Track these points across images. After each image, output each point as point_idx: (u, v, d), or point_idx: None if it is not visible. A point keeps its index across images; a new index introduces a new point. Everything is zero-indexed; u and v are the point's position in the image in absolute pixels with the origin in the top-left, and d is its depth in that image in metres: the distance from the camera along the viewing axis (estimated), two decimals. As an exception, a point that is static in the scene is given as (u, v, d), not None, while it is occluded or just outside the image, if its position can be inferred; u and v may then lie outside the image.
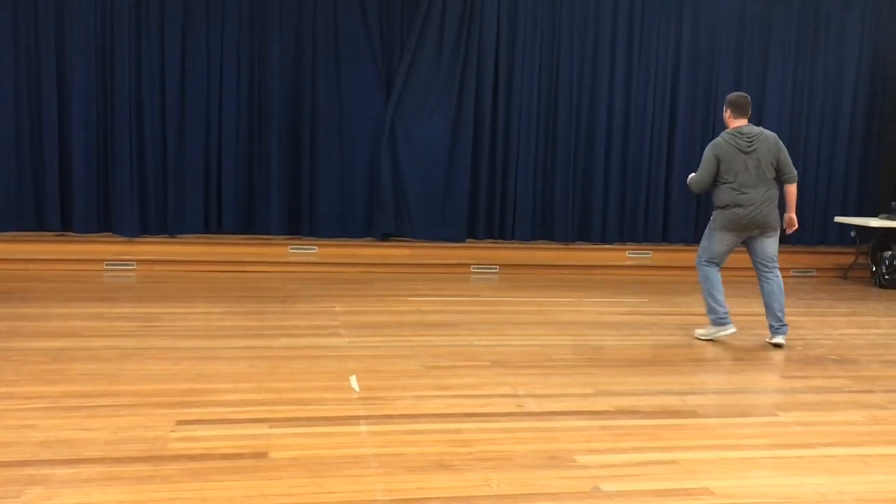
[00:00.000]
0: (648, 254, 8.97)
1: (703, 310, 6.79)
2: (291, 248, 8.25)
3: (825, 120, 9.46)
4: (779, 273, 5.63)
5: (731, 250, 5.68)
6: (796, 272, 9.06)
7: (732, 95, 5.58)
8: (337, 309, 6.28)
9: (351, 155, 8.52)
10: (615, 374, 4.71)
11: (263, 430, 3.57)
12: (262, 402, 3.94)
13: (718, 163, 5.47)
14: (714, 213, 5.62)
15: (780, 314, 5.54)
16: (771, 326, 5.58)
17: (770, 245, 5.60)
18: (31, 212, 7.96)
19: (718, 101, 9.17)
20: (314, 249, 8.29)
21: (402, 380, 4.42)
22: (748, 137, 5.42)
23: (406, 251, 8.41)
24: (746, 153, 5.40)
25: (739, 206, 5.44)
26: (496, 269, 8.43)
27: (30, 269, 7.46)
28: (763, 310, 5.69)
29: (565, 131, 8.87)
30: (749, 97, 5.60)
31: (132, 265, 7.72)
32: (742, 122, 5.49)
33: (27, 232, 7.92)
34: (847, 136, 9.49)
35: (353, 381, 4.33)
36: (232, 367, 4.53)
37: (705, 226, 9.17)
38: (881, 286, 8.45)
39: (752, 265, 5.70)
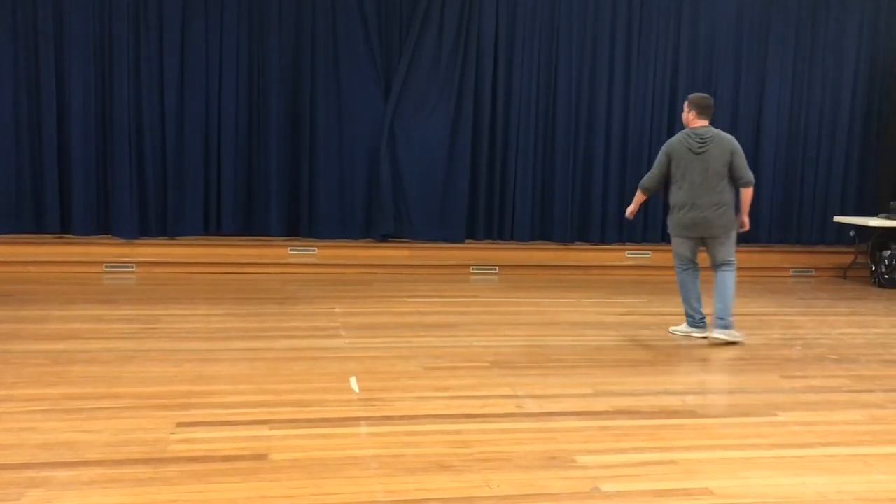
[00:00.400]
0: (648, 254, 8.97)
1: (703, 309, 6.81)
2: (291, 250, 8.25)
3: (824, 119, 9.46)
4: (733, 271, 5.59)
5: (694, 250, 5.61)
6: (795, 272, 9.06)
7: (696, 96, 5.52)
8: (337, 310, 6.29)
9: (350, 156, 8.52)
10: (615, 374, 4.71)
11: (264, 431, 3.57)
12: (263, 403, 3.94)
13: (669, 162, 5.45)
14: (670, 213, 5.63)
15: (720, 309, 5.49)
16: (714, 322, 5.54)
17: (720, 249, 5.54)
18: (30, 214, 7.96)
19: (719, 101, 9.17)
20: (314, 251, 8.29)
21: (402, 381, 4.42)
22: (701, 139, 5.38)
23: (405, 252, 8.42)
24: (696, 154, 5.37)
25: (686, 207, 5.43)
26: (496, 269, 8.43)
27: (29, 272, 7.47)
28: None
29: (564, 131, 8.87)
30: (712, 99, 5.58)
31: (132, 267, 7.72)
32: (703, 124, 5.46)
33: (27, 234, 7.92)
34: (846, 136, 9.50)
35: (353, 383, 4.34)
36: (232, 368, 4.53)
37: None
38: (880, 286, 8.45)
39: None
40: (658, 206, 9.18)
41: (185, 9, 8.06)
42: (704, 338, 5.58)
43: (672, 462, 3.38)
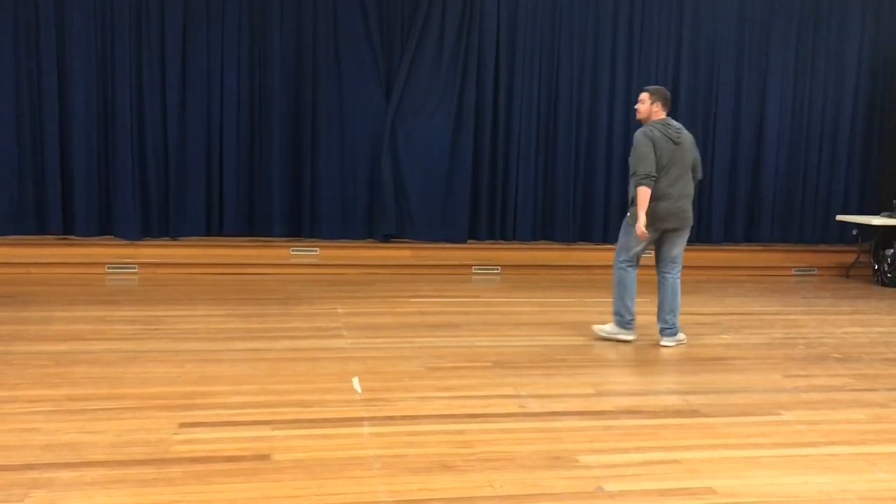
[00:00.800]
0: (650, 254, 8.94)
1: (705, 309, 6.81)
2: (293, 250, 8.25)
3: (826, 117, 9.45)
4: (678, 274, 5.51)
5: (647, 247, 5.52)
6: (798, 271, 9.05)
7: (658, 89, 5.41)
8: (339, 310, 6.29)
9: (352, 156, 8.52)
10: (617, 374, 4.71)
11: (266, 432, 3.57)
12: (265, 404, 3.94)
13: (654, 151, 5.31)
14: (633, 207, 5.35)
15: (668, 316, 5.42)
16: (660, 328, 5.46)
17: (679, 244, 5.48)
18: (32, 215, 7.97)
19: (720, 101, 9.19)
20: (315, 251, 8.29)
21: (405, 381, 4.42)
22: (676, 129, 5.31)
23: (407, 252, 8.41)
24: (676, 144, 5.29)
25: (664, 198, 5.27)
26: (498, 269, 8.43)
27: (32, 273, 7.47)
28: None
29: (566, 131, 8.87)
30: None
31: (134, 268, 7.72)
32: (664, 117, 5.37)
33: (29, 235, 7.93)
34: (848, 134, 9.49)
35: (356, 383, 4.34)
36: (234, 369, 4.54)
37: (707, 225, 9.29)
38: (883, 284, 8.44)
39: (661, 263, 5.57)
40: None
41: (187, 9, 8.07)
42: (629, 341, 5.44)
43: (675, 461, 3.38)
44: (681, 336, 5.48)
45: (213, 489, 2.98)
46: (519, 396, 4.20)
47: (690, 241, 9.12)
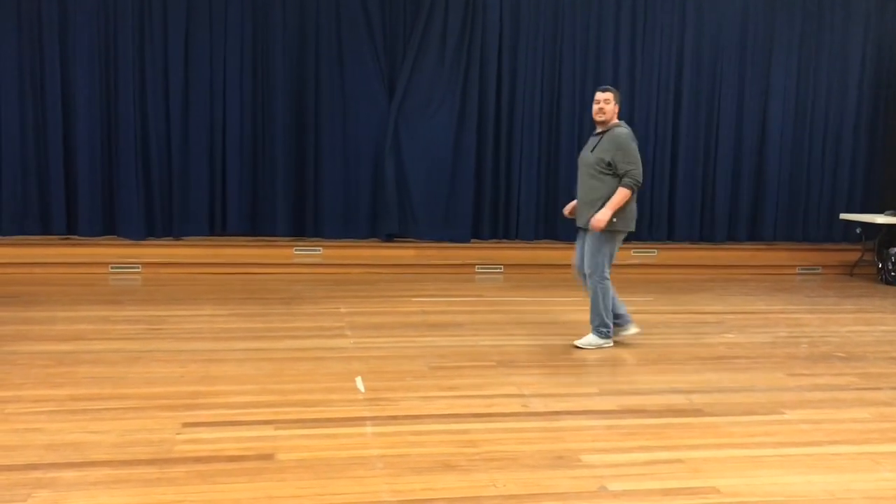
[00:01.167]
0: (654, 252, 8.96)
1: (709, 307, 6.80)
2: (296, 250, 8.26)
3: (830, 116, 9.44)
4: None
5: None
6: (802, 269, 9.03)
7: (616, 90, 5.24)
8: (342, 310, 6.29)
9: (355, 156, 8.52)
10: (620, 373, 4.70)
11: (269, 431, 3.57)
12: (268, 403, 3.94)
13: None
14: (622, 210, 5.08)
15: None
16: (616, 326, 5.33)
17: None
18: (36, 215, 7.99)
19: (723, 100, 9.17)
20: (319, 251, 8.30)
21: (408, 380, 4.42)
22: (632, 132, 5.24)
23: (411, 252, 8.42)
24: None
25: (635, 201, 5.16)
26: (501, 268, 8.42)
27: (35, 273, 7.48)
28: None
29: (569, 130, 8.86)
30: None
31: (137, 268, 7.73)
32: None
33: (33, 235, 7.95)
34: (852, 132, 9.47)
35: (359, 382, 4.33)
36: (237, 369, 4.54)
37: (711, 224, 9.28)
38: (887, 283, 8.42)
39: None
40: (663, 203, 9.17)
41: (190, 10, 8.07)
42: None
43: (679, 461, 3.37)
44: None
45: (217, 489, 2.98)
46: (522, 396, 4.19)
47: (694, 240, 9.26)
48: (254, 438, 3.48)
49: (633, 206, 5.14)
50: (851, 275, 8.95)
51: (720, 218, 9.27)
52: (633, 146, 5.06)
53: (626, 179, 5.01)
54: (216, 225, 8.38)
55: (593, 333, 5.30)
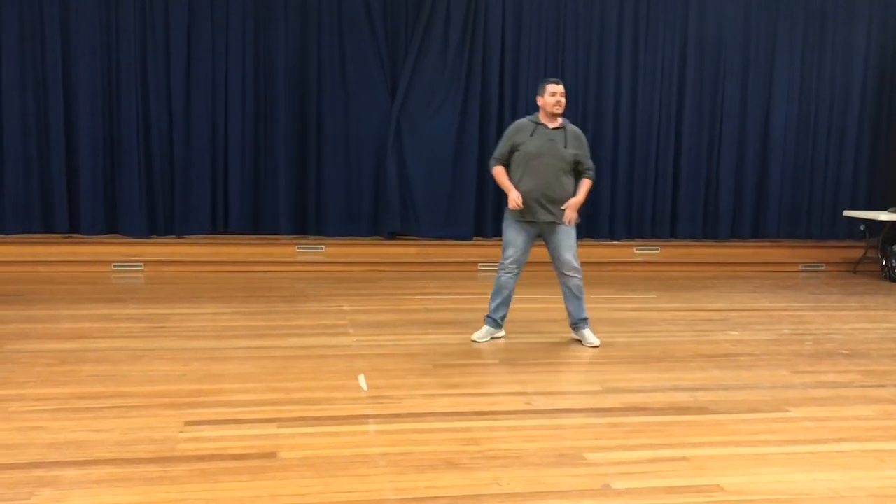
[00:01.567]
0: (657, 249, 8.94)
1: (713, 305, 6.79)
2: (299, 248, 8.25)
3: (834, 112, 9.41)
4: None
5: None
6: (805, 267, 9.01)
7: None
8: (345, 308, 6.28)
9: (357, 154, 8.51)
10: (624, 370, 4.69)
11: (272, 430, 3.56)
12: (271, 401, 3.94)
13: None
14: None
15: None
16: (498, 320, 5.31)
17: None
18: (38, 214, 7.98)
19: (726, 96, 9.14)
20: (321, 249, 8.29)
21: (411, 378, 4.41)
22: None
23: (413, 250, 8.40)
24: None
25: None
26: (504, 266, 8.39)
27: (38, 272, 7.48)
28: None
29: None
30: None
31: (140, 266, 7.73)
32: None
33: (35, 234, 7.95)
34: (856, 129, 9.44)
35: (362, 380, 4.33)
36: (240, 367, 4.53)
37: (714, 221, 9.26)
38: (891, 280, 8.40)
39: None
40: (667, 201, 9.15)
41: (191, 8, 8.06)
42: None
43: (683, 459, 3.36)
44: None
45: (220, 487, 2.97)
46: (525, 394, 4.18)
47: (698, 237, 9.24)
48: (256, 437, 3.47)
49: None
50: (855, 272, 8.92)
51: (723, 215, 9.25)
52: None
53: (590, 172, 5.21)
54: (218, 223, 8.37)
55: (589, 328, 5.25)
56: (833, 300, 7.29)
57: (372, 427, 3.64)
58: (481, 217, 8.81)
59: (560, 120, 5.20)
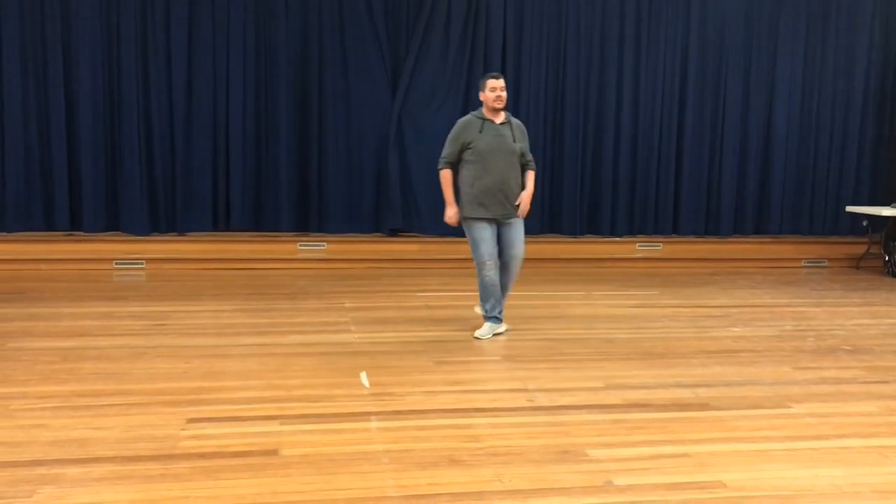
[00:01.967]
0: (658, 246, 8.93)
1: (714, 301, 6.79)
2: (300, 245, 8.25)
3: (836, 108, 9.38)
4: None
5: None
6: (808, 262, 9.00)
7: None
8: (346, 305, 6.28)
9: (358, 151, 8.50)
10: (626, 367, 4.69)
11: (274, 427, 3.56)
12: (273, 399, 3.94)
13: None
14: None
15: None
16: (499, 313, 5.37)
17: None
18: (40, 212, 7.98)
19: (728, 91, 9.12)
20: (323, 246, 8.29)
21: (412, 375, 4.41)
22: None
23: (414, 246, 8.40)
24: None
25: None
26: (505, 263, 8.39)
27: (40, 269, 7.49)
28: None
29: (573, 124, 8.83)
30: None
31: (141, 264, 7.74)
32: None
33: (37, 232, 7.94)
34: (859, 124, 9.42)
35: (363, 378, 4.32)
36: (242, 364, 4.53)
37: (716, 217, 9.25)
38: (894, 275, 8.39)
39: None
40: (669, 197, 9.13)
41: (192, 6, 8.05)
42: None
43: (685, 455, 3.36)
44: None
45: (221, 485, 2.97)
46: (527, 390, 4.18)
47: (699, 233, 9.23)
48: (258, 434, 3.47)
49: None
50: (858, 268, 8.91)
51: (725, 211, 9.24)
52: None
53: (532, 164, 5.35)
54: (220, 220, 8.37)
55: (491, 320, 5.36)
56: (836, 296, 7.28)
57: (374, 424, 3.63)
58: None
59: (503, 114, 5.26)
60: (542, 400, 4.03)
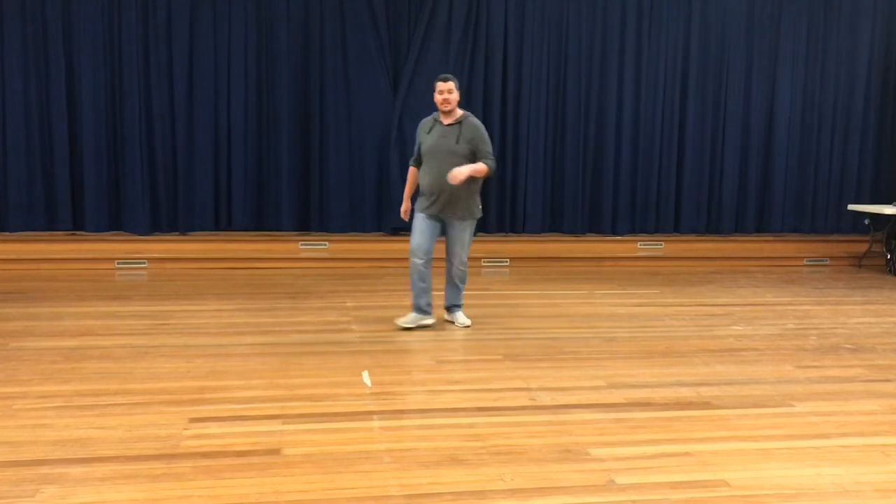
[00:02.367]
0: (660, 245, 8.93)
1: (716, 300, 6.78)
2: (302, 245, 8.26)
3: (838, 106, 9.37)
4: None
5: None
6: (810, 261, 9.00)
7: None
8: (348, 304, 6.28)
9: (360, 151, 8.51)
10: (628, 366, 4.69)
11: (276, 426, 3.56)
12: (275, 398, 3.94)
13: None
14: (475, 198, 5.40)
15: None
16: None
17: None
18: (42, 211, 7.99)
19: (729, 91, 9.12)
20: (325, 245, 8.29)
21: (415, 374, 4.41)
22: None
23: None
24: None
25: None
26: (507, 262, 8.41)
27: (42, 269, 7.50)
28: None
29: (574, 123, 8.83)
30: None
31: (143, 263, 7.74)
32: None
33: (39, 231, 7.96)
34: (860, 123, 9.41)
35: (366, 377, 4.33)
36: (244, 364, 4.54)
37: (718, 216, 9.25)
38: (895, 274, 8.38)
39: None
40: (671, 196, 9.13)
41: (193, 7, 8.05)
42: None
43: (687, 454, 3.36)
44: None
45: (224, 484, 2.97)
46: (529, 389, 4.18)
47: (701, 232, 9.23)
48: (260, 433, 3.48)
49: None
50: (860, 266, 8.91)
51: (727, 210, 9.23)
52: (487, 134, 5.37)
53: (487, 160, 5.24)
54: (222, 220, 8.38)
55: (462, 311, 5.57)
56: (837, 294, 7.27)
57: (376, 423, 3.64)
58: (485, 212, 8.74)
59: (458, 114, 5.33)
60: (544, 399, 4.03)
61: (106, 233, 8.05)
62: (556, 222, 8.95)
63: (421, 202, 5.40)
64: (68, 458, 3.17)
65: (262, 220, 8.44)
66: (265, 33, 8.26)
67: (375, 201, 8.57)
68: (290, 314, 5.88)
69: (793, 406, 4.02)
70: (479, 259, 8.32)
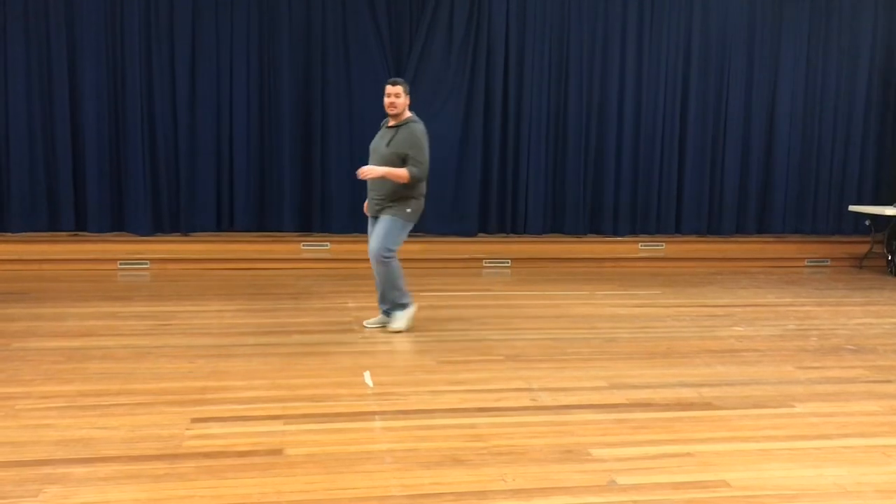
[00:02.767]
0: (661, 245, 8.93)
1: (717, 300, 6.78)
2: (304, 245, 8.26)
3: (839, 107, 9.38)
4: None
5: None
6: (811, 262, 9.00)
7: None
8: (350, 305, 6.29)
9: (361, 151, 8.48)
10: (629, 366, 4.69)
11: (278, 426, 3.57)
12: (277, 398, 3.95)
13: None
14: (409, 202, 5.37)
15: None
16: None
17: None
18: (44, 212, 8.00)
19: (731, 90, 9.13)
20: (327, 246, 8.30)
21: (416, 375, 4.42)
22: None
23: (418, 246, 8.39)
24: None
25: (423, 196, 5.47)
26: (508, 262, 8.41)
27: (44, 270, 7.51)
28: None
29: (576, 124, 8.83)
30: None
31: (146, 264, 7.76)
32: None
33: (41, 232, 7.97)
34: (862, 124, 9.41)
35: (367, 377, 4.33)
36: (246, 364, 4.54)
37: (719, 217, 9.25)
38: (897, 275, 8.39)
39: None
40: (672, 197, 9.14)
41: (196, 8, 8.07)
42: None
43: (688, 454, 3.36)
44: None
45: (226, 484, 2.98)
46: (531, 390, 4.19)
47: (702, 233, 9.23)
48: (263, 433, 3.48)
49: (422, 202, 5.44)
50: (860, 267, 8.91)
51: (728, 210, 9.24)
52: (426, 143, 5.30)
53: (411, 168, 5.20)
54: (224, 220, 8.38)
55: (399, 311, 5.46)
56: (838, 295, 7.27)
57: (378, 423, 3.64)
58: (486, 213, 8.80)
59: (404, 118, 5.36)
60: (546, 399, 4.04)
61: (108, 233, 8.06)
62: (557, 223, 8.96)
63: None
64: (71, 459, 3.18)
65: (263, 221, 8.45)
66: (267, 34, 8.27)
67: (377, 202, 8.56)
68: (291, 315, 5.89)
69: (794, 407, 4.02)
70: (479, 260, 8.33)
